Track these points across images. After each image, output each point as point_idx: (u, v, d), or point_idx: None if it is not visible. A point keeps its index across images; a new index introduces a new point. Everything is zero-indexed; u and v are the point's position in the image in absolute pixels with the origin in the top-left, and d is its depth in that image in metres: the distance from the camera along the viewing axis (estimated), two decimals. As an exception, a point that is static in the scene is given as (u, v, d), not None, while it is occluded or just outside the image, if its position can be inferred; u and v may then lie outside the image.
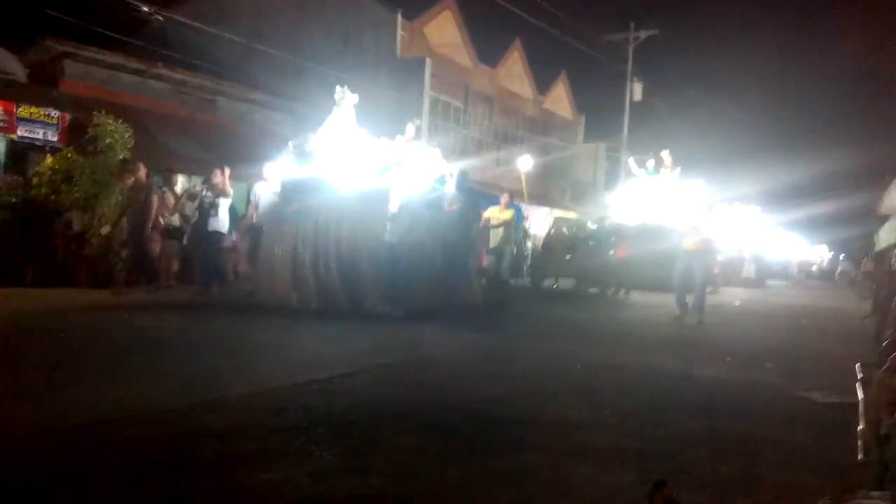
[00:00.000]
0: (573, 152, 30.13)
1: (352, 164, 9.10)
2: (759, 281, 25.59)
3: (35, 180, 10.34)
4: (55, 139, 11.82)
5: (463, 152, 23.92)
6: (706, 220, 10.40)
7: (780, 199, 36.25)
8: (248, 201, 10.59)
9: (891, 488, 2.13)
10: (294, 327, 7.35)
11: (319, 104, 9.70)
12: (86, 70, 14.16)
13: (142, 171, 9.62)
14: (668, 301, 10.66)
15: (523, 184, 22.65)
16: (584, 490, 2.91)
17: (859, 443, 3.34)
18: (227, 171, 10.40)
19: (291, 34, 21.25)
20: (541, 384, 5.09)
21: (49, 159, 10.65)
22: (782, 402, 4.89)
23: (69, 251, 9.81)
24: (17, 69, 13.05)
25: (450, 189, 9.90)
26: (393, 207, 8.87)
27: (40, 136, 11.75)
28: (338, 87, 9.72)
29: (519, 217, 13.18)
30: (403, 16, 21.39)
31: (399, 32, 21.31)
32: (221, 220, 10.21)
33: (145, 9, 13.58)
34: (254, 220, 10.04)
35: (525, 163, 23.44)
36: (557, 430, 3.78)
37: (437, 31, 22.71)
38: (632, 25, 27.25)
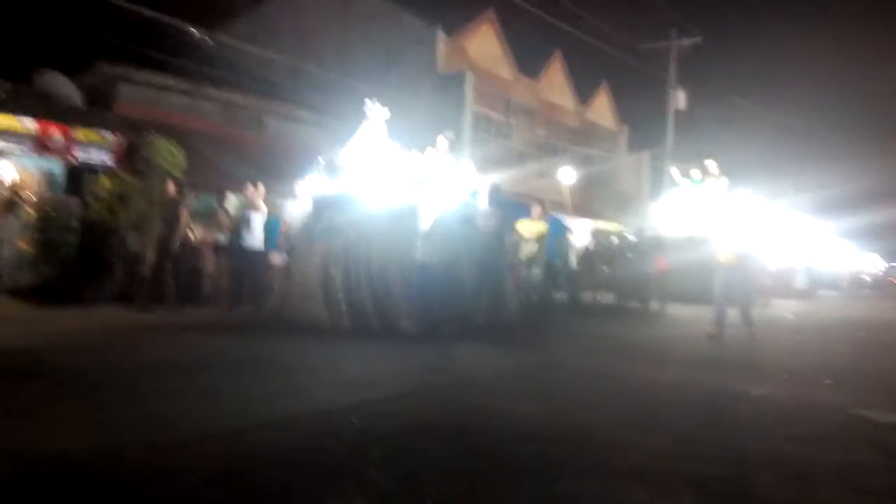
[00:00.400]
0: (617, 163, 29.88)
1: (382, 179, 8.98)
2: (811, 292, 25.10)
3: (92, 202, 10.67)
4: (110, 161, 12.18)
5: (505, 165, 23.87)
6: (745, 230, 9.88)
7: (832, 207, 35.46)
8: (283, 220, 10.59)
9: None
10: (328, 347, 7.31)
11: (363, 121, 9.68)
12: (139, 93, 14.56)
13: (171, 187, 9.81)
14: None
15: (567, 195, 22.55)
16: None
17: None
18: (261, 188, 10.46)
19: (336, 52, 21.57)
20: (589, 404, 5.05)
21: (105, 181, 10.98)
22: (842, 421, 4.78)
23: (126, 271, 10.08)
24: (73, 93, 13.51)
25: (483, 204, 9.81)
26: (425, 224, 8.67)
27: (96, 158, 12.13)
28: (367, 101, 9.59)
29: (559, 229, 12.84)
30: (444, 31, 21.53)
31: (440, 47, 21.45)
32: (255, 236, 10.22)
33: (196, 32, 13.92)
34: (287, 238, 9.98)
35: (568, 174, 23.34)
36: (611, 453, 3.75)
37: (477, 44, 22.80)
38: (673, 33, 26.99)
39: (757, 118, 35.14)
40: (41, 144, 11.65)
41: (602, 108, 29.81)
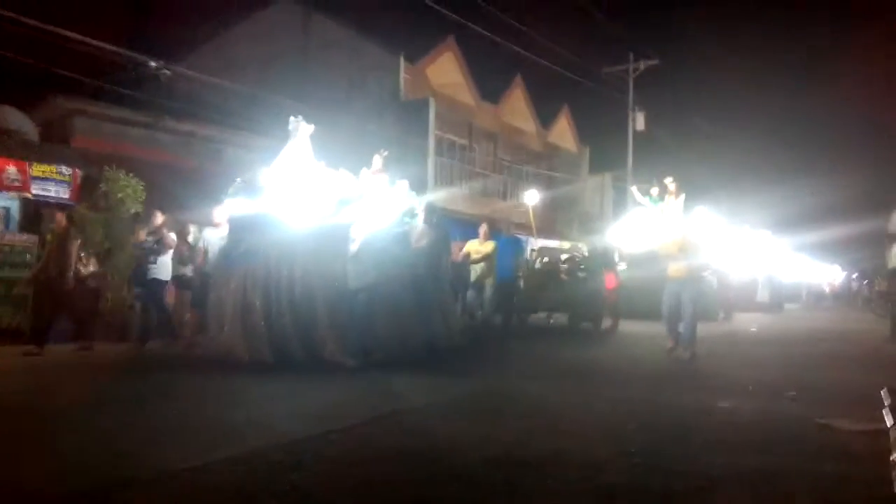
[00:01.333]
0: (579, 184, 30.23)
1: (307, 199, 8.32)
2: (773, 305, 25.48)
3: (49, 237, 10.44)
4: (67, 196, 11.95)
5: (469, 188, 24.04)
6: (697, 243, 9.33)
7: (790, 223, 36.26)
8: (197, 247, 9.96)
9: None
10: (255, 381, 6.67)
11: (324, 149, 9.51)
12: (95, 126, 14.37)
13: (61, 219, 9.31)
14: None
15: (531, 217, 22.70)
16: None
17: (894, 473, 3.29)
18: (159, 217, 9.84)
19: (296, 81, 21.55)
20: (551, 426, 5.02)
21: (62, 217, 10.75)
22: (809, 432, 4.80)
23: (84, 308, 9.82)
24: (28, 128, 13.27)
25: (419, 223, 9.36)
26: (354, 246, 8.08)
27: (53, 193, 11.90)
28: (291, 118, 9.00)
29: (514, 249, 12.22)
30: (406, 59, 21.68)
31: (402, 75, 21.58)
32: (161, 268, 9.64)
33: (153, 63, 13.80)
34: (202, 267, 9.42)
35: (531, 197, 23.51)
36: (579, 472, 3.72)
37: (439, 72, 22.99)
38: (631, 56, 27.55)
39: (715, 138, 35.93)
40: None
41: (563, 131, 30.19)
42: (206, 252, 9.42)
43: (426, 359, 8.13)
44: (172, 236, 9.82)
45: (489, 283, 11.60)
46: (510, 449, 4.20)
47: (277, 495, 3.27)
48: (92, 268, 9.50)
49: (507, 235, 12.21)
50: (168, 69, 14.32)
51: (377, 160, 9.57)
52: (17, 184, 11.59)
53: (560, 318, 14.81)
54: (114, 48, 13.25)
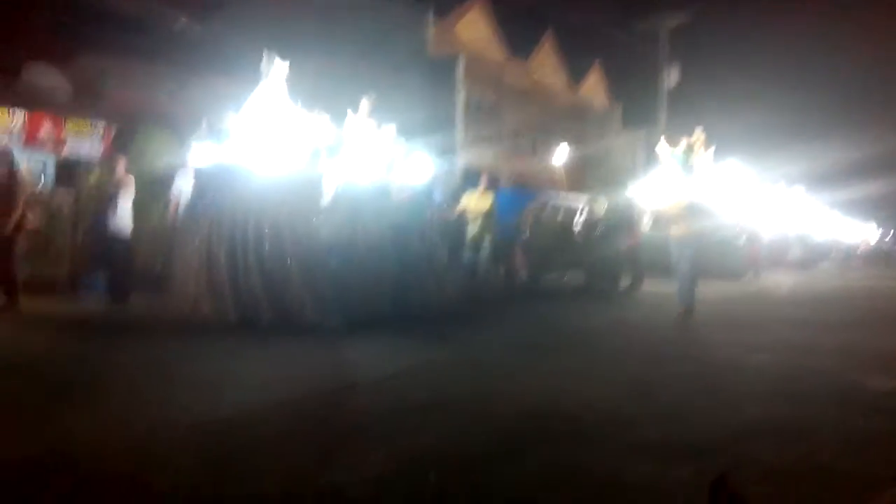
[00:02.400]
0: (610, 141, 29.85)
1: (279, 147, 7.57)
2: (805, 263, 25.18)
3: (84, 195, 10.60)
4: (100, 152, 12.12)
5: (498, 146, 23.88)
6: (704, 205, 8.99)
7: (825, 178, 35.53)
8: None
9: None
10: (209, 348, 5.95)
11: (352, 105, 9.21)
12: (126, 82, 14.46)
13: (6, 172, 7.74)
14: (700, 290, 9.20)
15: (561, 175, 22.54)
16: (643, 488, 2.89)
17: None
18: (122, 162, 9.05)
19: (321, 38, 21.40)
20: (580, 380, 5.05)
21: (97, 172, 10.91)
22: (841, 387, 4.79)
23: (119, 261, 10.00)
24: (62, 85, 13.41)
25: (401, 173, 8.71)
26: (326, 199, 7.36)
27: (87, 149, 12.06)
28: (265, 55, 8.09)
29: (517, 202, 11.80)
30: (434, 14, 21.41)
31: (430, 31, 21.32)
32: (122, 218, 8.75)
33: (181, 20, 13.80)
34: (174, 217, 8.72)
35: (562, 154, 23.30)
36: (611, 428, 3.75)
37: (467, 27, 22.69)
38: (664, 10, 26.87)
39: (751, 91, 35.12)
40: (32, 137, 11.58)
41: (595, 87, 29.74)
42: (177, 203, 8.76)
43: (414, 320, 7.45)
44: (129, 179, 8.88)
45: (488, 240, 10.96)
46: (540, 404, 4.25)
47: (304, 439, 3.36)
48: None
49: (509, 188, 11.72)
50: (196, 26, 14.29)
51: (364, 104, 8.77)
52: (51, 140, 11.77)
53: (577, 278, 13.93)
54: (142, 4, 13.25)
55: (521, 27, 24.90)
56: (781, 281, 17.06)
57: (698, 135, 10.32)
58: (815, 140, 35.88)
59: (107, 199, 8.82)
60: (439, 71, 21.23)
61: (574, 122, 28.77)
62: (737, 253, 16.62)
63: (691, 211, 8.76)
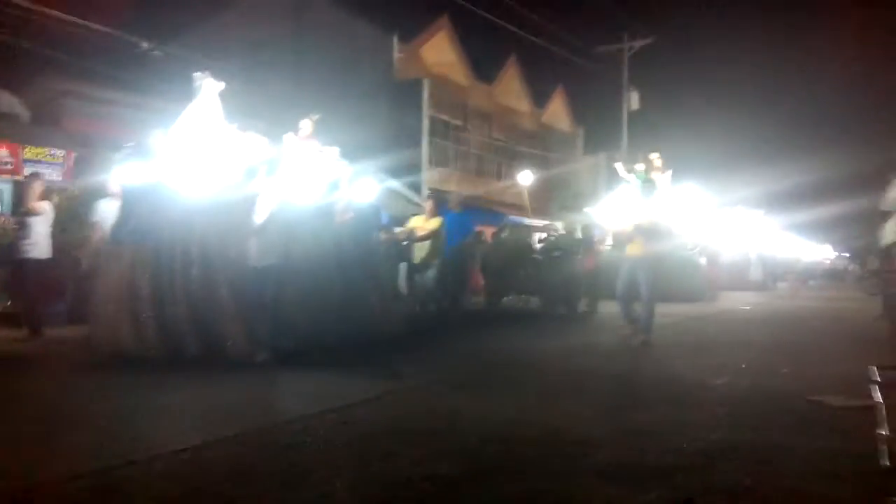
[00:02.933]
0: (573, 165, 30.23)
1: (208, 167, 7.20)
2: (765, 283, 25.61)
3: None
4: (60, 178, 11.91)
5: (463, 169, 24.02)
6: (662, 225, 8.51)
7: (782, 202, 36.42)
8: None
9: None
10: (128, 382, 5.51)
11: (321, 132, 9.19)
12: (86, 107, 14.28)
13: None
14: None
15: (525, 198, 22.73)
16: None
17: (881, 448, 3.35)
18: (38, 184, 8.48)
19: (288, 62, 21.42)
20: (548, 404, 5.07)
21: (55, 198, 10.72)
22: (801, 408, 4.88)
23: (80, 290, 9.80)
24: (20, 111, 13.20)
25: (344, 195, 8.35)
26: (258, 219, 6.78)
27: (46, 176, 11.84)
28: (197, 73, 7.76)
29: (465, 226, 11.19)
30: (399, 38, 21.56)
31: (396, 55, 21.47)
32: (35, 244, 8.13)
33: (144, 44, 13.71)
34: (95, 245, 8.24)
35: (525, 177, 23.50)
36: (576, 449, 3.77)
37: (433, 51, 22.88)
38: (625, 36, 27.43)
39: (710, 116, 35.93)
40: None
41: (558, 112, 30.14)
42: (101, 228, 8.26)
43: (359, 349, 7.13)
44: (42, 205, 8.32)
45: (435, 265, 10.41)
46: (506, 425, 4.25)
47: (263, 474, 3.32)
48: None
49: (456, 211, 11.16)
50: (158, 49, 14.21)
51: (306, 124, 8.67)
52: (9, 167, 11.55)
53: (531, 302, 13.83)
54: (104, 28, 13.15)
55: (485, 52, 25.21)
56: (740, 302, 17.37)
57: (656, 156, 10.35)
58: (773, 164, 36.81)
59: (19, 225, 8.33)
60: (405, 94, 21.38)
61: (538, 145, 29.10)
62: (695, 274, 16.49)
63: (648, 231, 8.32)
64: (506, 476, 3.32)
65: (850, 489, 3.18)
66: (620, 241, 8.78)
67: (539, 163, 27.82)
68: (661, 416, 4.57)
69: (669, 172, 17.55)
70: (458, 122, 24.39)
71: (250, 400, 5.10)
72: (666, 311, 11.19)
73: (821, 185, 39.54)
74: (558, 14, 37.10)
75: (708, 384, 5.77)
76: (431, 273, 10.33)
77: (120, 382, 5.55)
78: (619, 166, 15.32)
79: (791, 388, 5.57)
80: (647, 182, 9.58)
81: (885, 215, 11.04)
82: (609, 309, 11.84)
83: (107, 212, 8.12)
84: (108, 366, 6.24)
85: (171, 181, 7.12)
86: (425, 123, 21.61)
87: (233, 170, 7.23)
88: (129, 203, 7.23)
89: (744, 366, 6.76)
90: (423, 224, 10.58)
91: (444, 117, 23.53)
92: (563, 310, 12.50)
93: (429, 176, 21.70)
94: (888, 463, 3.32)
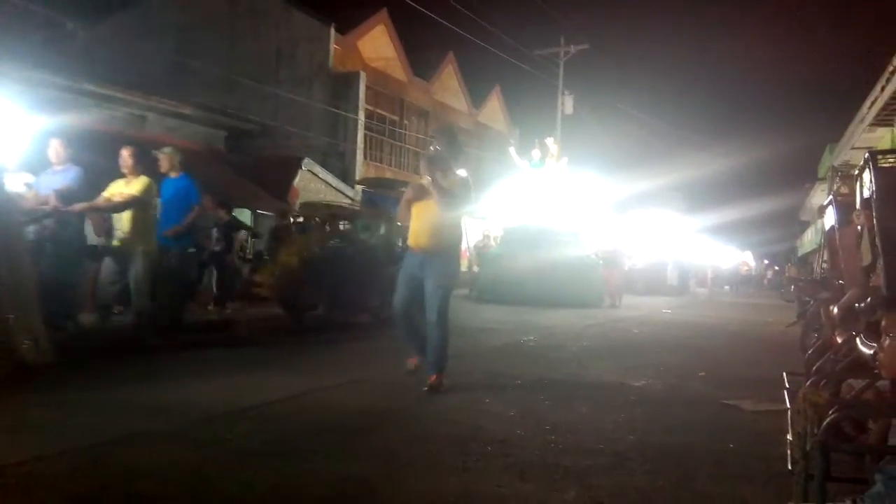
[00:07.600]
0: (508, 164, 30.49)
1: None
2: (682, 288, 25.96)
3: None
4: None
5: (399, 165, 23.94)
6: (453, 193, 5.69)
7: (703, 204, 37.59)
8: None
9: (815, 500, 2.23)
10: None
11: (253, 118, 9.01)
12: (10, 89, 13.60)
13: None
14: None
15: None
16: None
17: (788, 452, 3.49)
18: None
19: (223, 49, 20.96)
20: (476, 405, 5.10)
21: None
22: (715, 411, 5.05)
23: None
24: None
25: None
26: None
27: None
28: None
29: (188, 193, 7.44)
30: (336, 30, 21.33)
31: (332, 46, 21.23)
32: None
33: (68, 25, 13.16)
34: None
35: (460, 175, 23.56)
36: (495, 447, 3.81)
37: (371, 44, 22.73)
38: (562, 40, 27.86)
39: (636, 120, 36.85)
40: None
41: (494, 111, 30.37)
42: None
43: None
44: None
45: (141, 252, 6.82)
46: (426, 429, 4.26)
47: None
48: None
49: (174, 175, 7.50)
50: (84, 30, 13.68)
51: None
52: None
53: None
54: (28, 4, 12.57)
55: (423, 49, 25.21)
56: (660, 306, 17.74)
57: (551, 141, 10.12)
58: (695, 166, 37.69)
59: None
60: (341, 86, 21.18)
61: (473, 143, 29.25)
62: (591, 279, 15.46)
63: (438, 205, 5.51)
64: (423, 476, 3.32)
65: (759, 491, 3.30)
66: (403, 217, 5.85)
67: (474, 161, 27.95)
68: (579, 417, 4.66)
69: (565, 160, 16.90)
70: (395, 118, 24.30)
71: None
72: (586, 314, 11.40)
73: (740, 189, 41.05)
74: (498, 15, 37.39)
75: (627, 386, 5.91)
76: (138, 268, 6.79)
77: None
78: (512, 151, 14.41)
79: (706, 392, 5.75)
80: (541, 167, 8.67)
81: (806, 225, 11.42)
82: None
83: None
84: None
85: None
86: (361, 117, 21.46)
87: None
88: None
89: (662, 369, 6.95)
90: (122, 188, 6.98)
91: (381, 112, 23.40)
92: (368, 319, 9.67)
93: (364, 169, 21.56)
94: (793, 468, 3.47)
